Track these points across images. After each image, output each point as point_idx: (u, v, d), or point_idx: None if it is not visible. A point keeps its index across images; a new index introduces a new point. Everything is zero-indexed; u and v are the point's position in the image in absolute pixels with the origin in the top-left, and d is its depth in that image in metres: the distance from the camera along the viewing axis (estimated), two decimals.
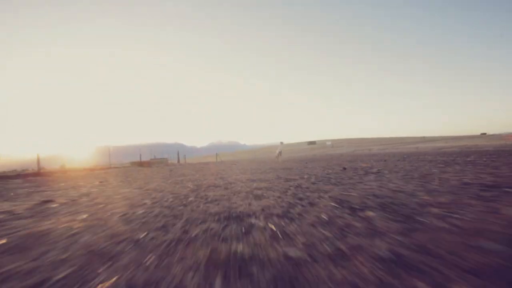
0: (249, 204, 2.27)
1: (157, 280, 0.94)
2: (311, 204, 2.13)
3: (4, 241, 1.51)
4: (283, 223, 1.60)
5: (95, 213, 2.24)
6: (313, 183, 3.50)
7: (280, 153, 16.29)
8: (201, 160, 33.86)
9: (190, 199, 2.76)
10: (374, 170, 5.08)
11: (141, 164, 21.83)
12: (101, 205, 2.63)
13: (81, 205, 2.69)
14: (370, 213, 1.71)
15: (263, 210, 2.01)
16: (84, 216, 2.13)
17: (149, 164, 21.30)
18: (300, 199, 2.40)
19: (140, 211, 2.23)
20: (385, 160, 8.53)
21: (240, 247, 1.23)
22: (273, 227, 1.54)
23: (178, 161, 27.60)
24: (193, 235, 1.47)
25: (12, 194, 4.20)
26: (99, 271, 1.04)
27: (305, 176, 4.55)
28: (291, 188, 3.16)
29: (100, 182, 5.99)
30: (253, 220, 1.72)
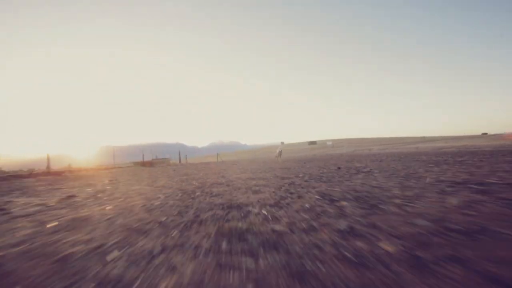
0: (248, 197, 2.69)
1: (182, 243, 1.37)
2: (299, 197, 2.55)
3: (56, 223, 1.94)
4: (273, 210, 2.03)
5: (118, 205, 2.67)
6: (306, 181, 3.92)
7: (280, 153, 16.67)
8: (202, 160, 34.34)
9: (197, 193, 3.19)
10: (366, 169, 5.48)
11: (143, 164, 22.29)
12: (121, 199, 3.06)
13: (102, 199, 3.12)
14: (344, 203, 2.13)
15: (258, 201, 2.43)
16: (110, 207, 2.56)
17: (151, 164, 21.75)
18: (291, 193, 2.82)
19: (157, 202, 2.65)
20: (381, 161, 8.89)
21: (239, 224, 1.65)
22: (265, 212, 1.96)
23: (180, 161, 28.07)
24: (203, 218, 1.89)
25: (34, 191, 4.64)
26: (139, 239, 1.47)
27: (300, 175, 4.97)
28: (285, 185, 3.58)
29: (110, 180, 6.43)
30: (250, 208, 2.14)
